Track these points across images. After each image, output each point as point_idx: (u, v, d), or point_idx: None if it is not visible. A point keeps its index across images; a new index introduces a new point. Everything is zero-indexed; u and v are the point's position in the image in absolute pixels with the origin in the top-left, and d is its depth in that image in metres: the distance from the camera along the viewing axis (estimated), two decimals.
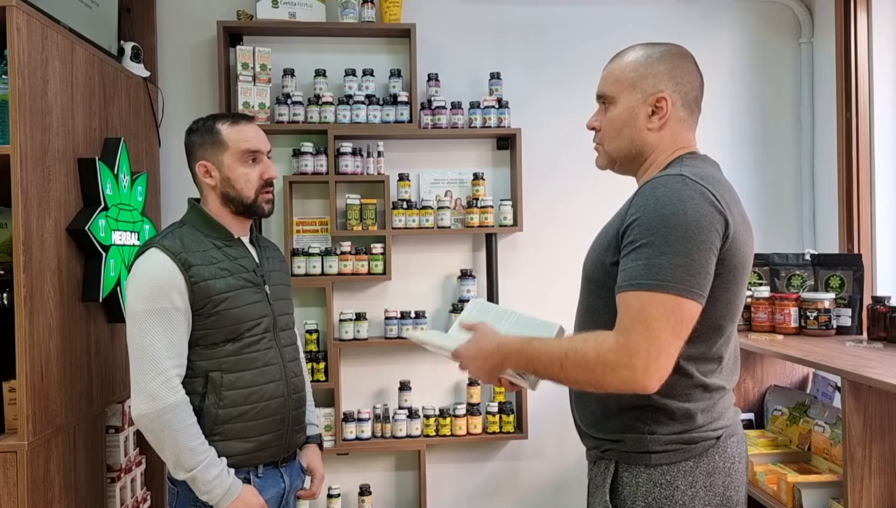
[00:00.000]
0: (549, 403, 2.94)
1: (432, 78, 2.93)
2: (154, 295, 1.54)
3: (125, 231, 2.20)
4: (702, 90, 1.37)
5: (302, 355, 1.86)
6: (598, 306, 1.32)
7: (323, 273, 2.82)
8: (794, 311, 2.26)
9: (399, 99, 2.86)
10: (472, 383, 2.92)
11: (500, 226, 2.91)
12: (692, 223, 1.16)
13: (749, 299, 2.39)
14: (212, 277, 1.60)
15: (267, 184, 1.71)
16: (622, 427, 1.28)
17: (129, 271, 1.63)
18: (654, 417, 1.26)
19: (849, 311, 2.29)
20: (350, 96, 2.86)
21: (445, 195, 3.00)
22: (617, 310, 1.20)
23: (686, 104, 1.34)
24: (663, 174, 1.25)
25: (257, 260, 1.73)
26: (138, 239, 2.31)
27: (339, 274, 2.83)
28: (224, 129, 1.67)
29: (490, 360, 1.31)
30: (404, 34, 2.93)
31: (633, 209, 1.22)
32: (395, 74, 2.92)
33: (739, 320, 2.36)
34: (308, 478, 1.86)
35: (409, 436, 2.87)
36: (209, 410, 1.58)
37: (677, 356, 1.17)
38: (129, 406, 2.32)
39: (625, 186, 1.43)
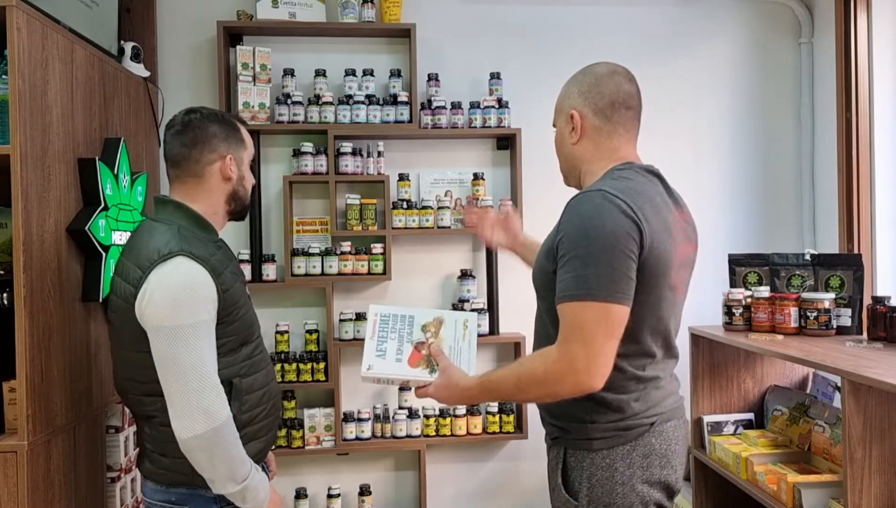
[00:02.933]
0: None
1: (432, 78, 2.93)
2: (195, 307, 1.45)
3: (125, 231, 2.20)
4: (620, 96, 1.46)
5: None
6: (543, 310, 1.48)
7: (323, 273, 2.82)
8: (794, 311, 2.26)
9: (399, 99, 2.86)
10: None
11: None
12: (610, 235, 1.29)
13: (749, 299, 2.39)
14: (233, 282, 1.56)
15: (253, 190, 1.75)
16: (568, 417, 1.43)
17: (143, 281, 1.47)
18: (594, 408, 1.39)
19: (849, 311, 2.29)
20: (350, 96, 2.86)
21: (445, 195, 3.00)
22: (554, 314, 1.36)
23: (598, 113, 1.47)
24: (587, 190, 1.39)
25: None
26: None
27: (339, 274, 2.83)
28: (241, 128, 1.68)
29: (461, 403, 1.55)
30: (404, 34, 2.93)
31: (562, 224, 1.37)
32: (395, 74, 2.92)
33: (739, 318, 2.36)
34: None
35: (409, 436, 2.87)
36: (236, 417, 1.53)
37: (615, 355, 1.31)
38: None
39: None
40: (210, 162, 1.60)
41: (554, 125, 1.58)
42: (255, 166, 2.83)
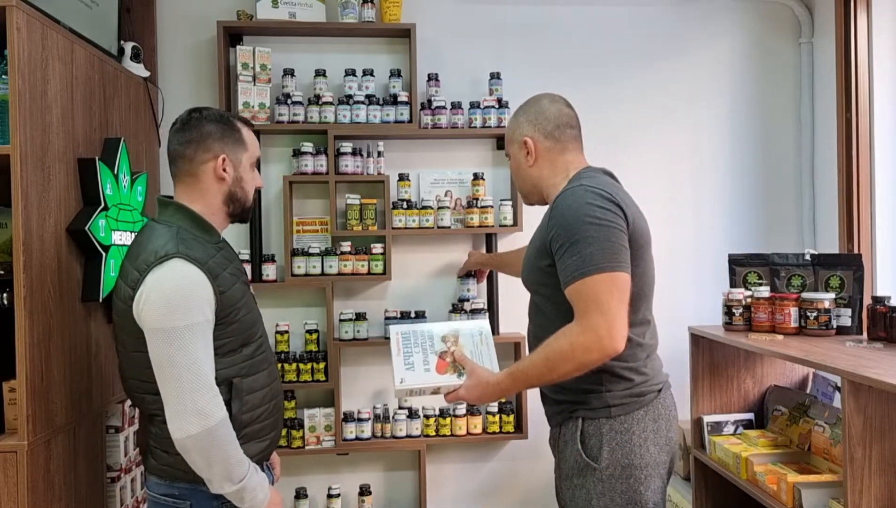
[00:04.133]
0: None
1: (432, 78, 2.93)
2: (190, 309, 1.46)
3: (125, 231, 2.20)
4: (563, 118, 1.68)
5: None
6: (542, 303, 1.63)
7: (323, 273, 2.82)
8: (794, 311, 2.26)
9: (399, 99, 2.86)
10: None
11: (500, 226, 2.91)
12: (601, 215, 1.47)
13: (749, 299, 2.39)
14: (231, 284, 1.57)
15: (256, 192, 1.74)
16: (584, 391, 1.56)
17: (140, 283, 1.49)
18: (608, 378, 1.55)
19: (849, 311, 2.29)
20: (350, 96, 2.86)
21: (445, 195, 3.00)
22: (555, 304, 1.53)
23: (548, 135, 1.67)
24: (566, 189, 1.58)
25: None
26: None
27: (339, 274, 2.83)
28: (243, 129, 1.66)
29: (493, 398, 1.62)
30: (404, 34, 2.93)
31: (552, 222, 1.52)
32: (395, 74, 2.92)
33: (739, 318, 2.36)
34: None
35: (409, 436, 2.88)
36: (236, 417, 1.54)
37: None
38: (131, 410, 2.32)
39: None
40: (203, 161, 1.60)
41: (507, 155, 1.78)
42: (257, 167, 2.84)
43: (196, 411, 1.44)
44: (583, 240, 1.45)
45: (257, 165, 1.74)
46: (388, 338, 2.82)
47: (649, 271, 1.60)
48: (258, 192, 2.86)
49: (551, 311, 1.57)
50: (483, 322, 1.76)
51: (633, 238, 1.51)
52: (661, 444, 1.57)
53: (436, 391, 1.64)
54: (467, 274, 2.91)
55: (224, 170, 1.61)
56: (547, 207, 1.67)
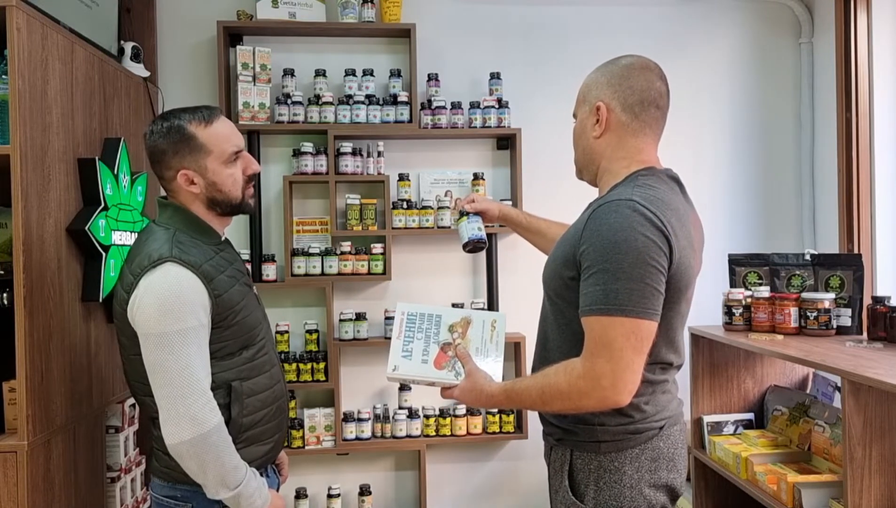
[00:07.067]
0: None
1: (432, 78, 2.93)
2: (183, 314, 1.43)
3: (125, 231, 2.20)
4: (650, 94, 1.40)
5: None
6: (552, 312, 1.45)
7: (323, 273, 2.82)
8: (794, 311, 2.26)
9: (399, 99, 2.86)
10: None
11: (501, 226, 2.90)
12: (643, 248, 1.25)
13: (749, 299, 2.39)
14: (229, 287, 1.54)
15: (250, 180, 1.64)
16: (576, 419, 1.40)
17: (135, 287, 1.47)
18: (603, 411, 1.35)
19: (849, 311, 2.29)
20: (350, 96, 2.86)
21: (445, 195, 3.00)
22: (567, 321, 1.37)
23: (627, 108, 1.40)
24: (615, 199, 1.32)
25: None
26: None
27: (339, 274, 2.83)
28: (200, 132, 1.54)
29: (485, 407, 1.48)
30: (404, 34, 2.93)
31: (587, 234, 1.31)
32: (395, 74, 2.92)
33: (739, 318, 2.36)
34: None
35: (409, 436, 2.88)
36: (236, 421, 1.53)
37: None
38: (131, 410, 2.32)
39: None
40: (170, 178, 1.57)
41: (574, 115, 1.51)
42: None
43: (189, 417, 1.42)
44: (613, 271, 1.25)
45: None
46: (388, 338, 2.84)
47: (679, 317, 1.40)
48: (258, 187, 2.88)
49: (563, 326, 1.42)
50: (499, 314, 1.61)
51: (672, 281, 1.30)
52: (659, 486, 1.39)
53: (431, 384, 1.54)
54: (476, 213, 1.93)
55: (193, 183, 1.56)
56: (585, 196, 1.46)
